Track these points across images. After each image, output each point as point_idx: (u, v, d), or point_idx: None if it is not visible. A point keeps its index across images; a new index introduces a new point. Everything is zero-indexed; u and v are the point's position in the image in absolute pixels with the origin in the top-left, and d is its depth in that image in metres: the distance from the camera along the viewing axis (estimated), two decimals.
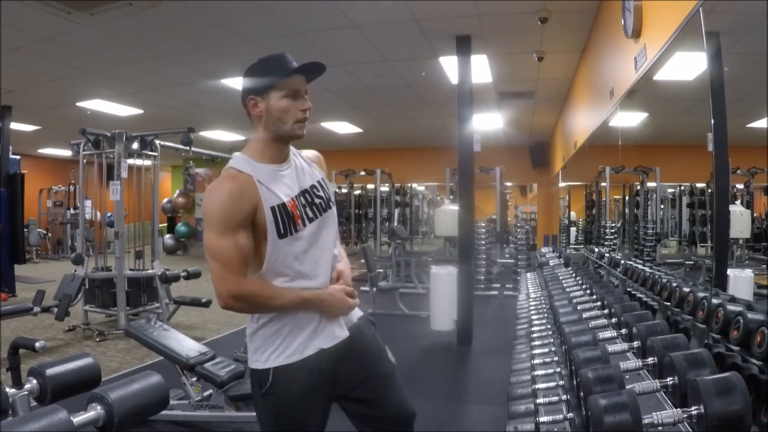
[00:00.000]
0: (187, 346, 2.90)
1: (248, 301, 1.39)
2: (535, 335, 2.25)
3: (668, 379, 1.21)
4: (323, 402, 1.49)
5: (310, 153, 1.64)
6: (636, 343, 1.58)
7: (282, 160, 1.49)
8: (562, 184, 8.65)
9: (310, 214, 1.47)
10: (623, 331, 1.79)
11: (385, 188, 10.17)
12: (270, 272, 1.42)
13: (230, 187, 1.37)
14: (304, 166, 1.55)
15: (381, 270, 8.01)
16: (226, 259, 1.34)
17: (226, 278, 1.34)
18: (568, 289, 3.01)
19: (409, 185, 11.32)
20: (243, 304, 1.38)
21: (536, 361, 1.84)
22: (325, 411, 1.51)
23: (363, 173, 9.94)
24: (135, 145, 5.61)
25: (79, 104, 7.27)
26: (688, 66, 2.46)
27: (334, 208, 1.56)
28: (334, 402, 1.54)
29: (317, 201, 1.50)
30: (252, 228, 1.38)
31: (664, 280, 2.18)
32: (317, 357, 1.45)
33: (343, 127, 9.16)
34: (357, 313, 1.62)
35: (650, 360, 1.40)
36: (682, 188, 3.59)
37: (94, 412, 1.33)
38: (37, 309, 4.71)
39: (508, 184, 10.69)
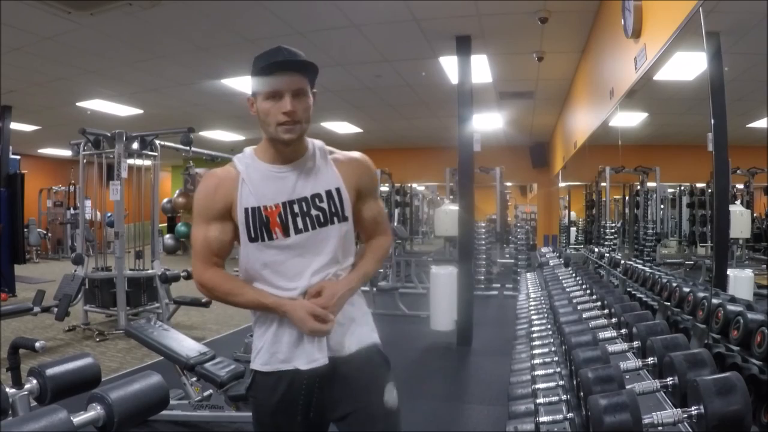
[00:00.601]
0: (187, 346, 2.90)
1: (210, 291, 1.40)
2: (535, 335, 2.25)
3: (668, 379, 1.21)
4: (302, 422, 1.39)
5: (348, 156, 1.46)
6: (636, 343, 1.58)
7: (284, 162, 1.37)
8: (562, 184, 8.65)
9: (300, 225, 1.34)
10: (623, 331, 1.79)
11: (385, 188, 10.17)
12: (243, 272, 1.40)
13: (209, 183, 1.39)
14: (319, 172, 1.39)
15: (381, 270, 8.01)
16: (196, 248, 1.39)
17: (195, 265, 1.40)
18: (568, 289, 3.01)
19: (409, 185, 11.32)
20: (207, 292, 1.41)
21: (536, 361, 1.84)
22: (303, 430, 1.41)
23: None
24: (135, 145, 5.61)
25: (79, 104, 7.27)
26: (688, 66, 2.46)
27: (341, 224, 1.38)
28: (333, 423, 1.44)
29: (314, 213, 1.35)
30: (235, 224, 1.37)
31: (664, 280, 2.18)
32: (294, 375, 1.35)
33: (343, 127, 9.16)
34: (364, 340, 1.42)
35: (650, 360, 1.40)
36: (682, 188, 3.58)
37: (94, 412, 1.33)
38: (37, 309, 4.71)
39: (508, 184, 10.69)
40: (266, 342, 1.38)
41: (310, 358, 1.34)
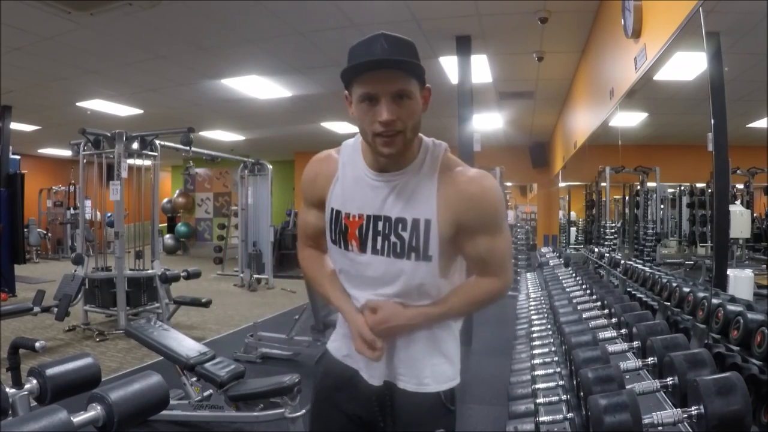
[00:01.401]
0: (187, 346, 2.90)
1: (303, 270, 1.37)
2: (535, 335, 2.26)
3: (668, 379, 1.21)
4: (342, 418, 1.28)
5: (462, 178, 1.16)
6: (636, 343, 1.58)
7: (382, 170, 1.16)
8: (562, 184, 8.65)
9: (378, 246, 1.16)
10: (623, 331, 1.80)
11: None
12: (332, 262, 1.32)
13: (311, 169, 1.28)
14: (416, 192, 1.15)
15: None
16: (299, 226, 1.37)
17: (299, 241, 1.38)
18: (568, 289, 3.01)
19: None
20: (301, 270, 1.39)
21: (536, 361, 1.84)
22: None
23: None
24: (135, 145, 5.61)
25: (79, 104, 7.27)
26: (688, 66, 2.46)
27: (419, 263, 1.15)
28: None
29: (393, 239, 1.15)
30: None
31: (664, 280, 2.18)
32: (353, 374, 1.26)
33: (343, 127, 9.16)
34: (426, 385, 1.21)
35: (650, 360, 1.40)
36: (682, 188, 3.59)
37: (94, 412, 1.33)
38: (37, 309, 4.70)
39: (508, 184, 10.69)
40: (345, 330, 1.29)
41: (369, 372, 1.23)
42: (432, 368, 1.21)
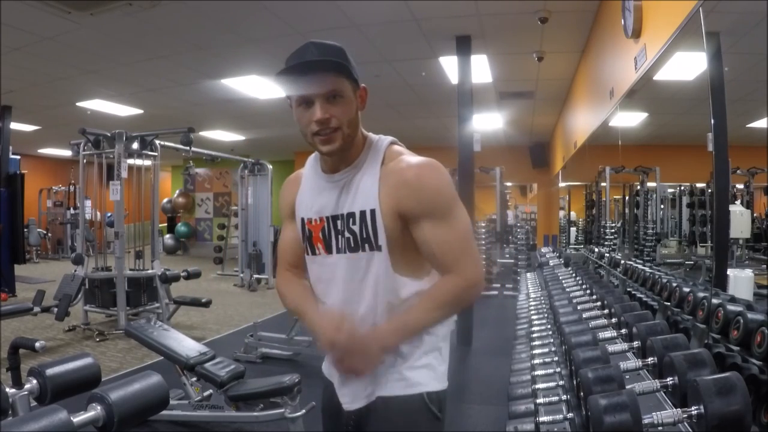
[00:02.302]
0: (187, 346, 2.90)
1: (280, 296, 1.36)
2: (535, 335, 2.26)
3: (668, 379, 1.21)
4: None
5: (400, 164, 1.16)
6: (636, 343, 1.58)
7: (332, 170, 1.20)
8: (562, 184, 8.65)
9: (340, 245, 1.19)
10: (623, 331, 1.80)
11: None
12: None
13: (284, 186, 1.35)
14: (360, 185, 1.17)
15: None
16: (279, 250, 1.38)
17: (278, 266, 1.39)
18: (568, 289, 3.01)
19: None
20: (280, 297, 1.37)
21: (536, 361, 1.84)
22: None
23: None
24: (135, 145, 5.61)
25: (79, 104, 7.27)
26: (688, 66, 2.46)
27: (373, 253, 1.14)
28: None
29: (347, 235, 1.17)
30: None
31: (664, 280, 2.18)
32: (333, 390, 1.25)
33: None
34: (408, 386, 1.16)
35: (650, 360, 1.40)
36: (682, 188, 3.58)
37: (94, 412, 1.33)
38: (37, 309, 4.70)
39: (508, 184, 10.69)
40: None
41: (342, 392, 1.21)
42: (414, 370, 1.16)
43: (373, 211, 1.13)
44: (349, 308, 1.16)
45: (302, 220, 1.25)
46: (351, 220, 1.16)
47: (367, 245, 1.15)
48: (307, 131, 1.13)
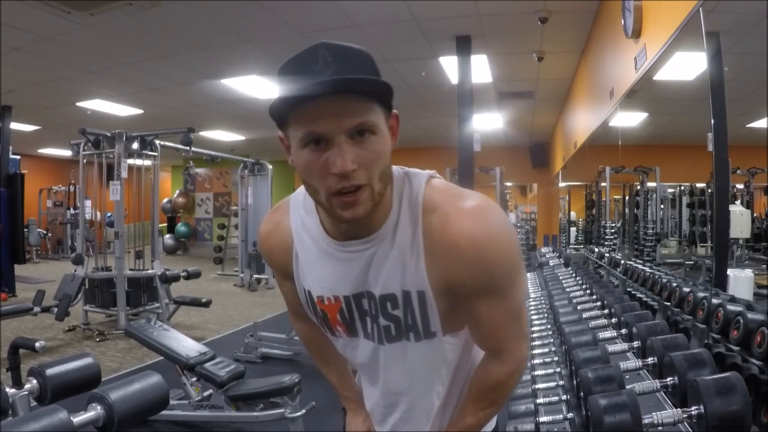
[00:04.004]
0: (187, 346, 2.90)
1: (302, 342, 1.16)
2: (535, 335, 2.25)
3: (668, 379, 1.21)
4: None
5: (451, 223, 0.81)
6: (636, 343, 1.58)
7: (344, 237, 0.85)
8: (562, 184, 8.65)
9: (369, 329, 0.91)
10: (623, 331, 1.80)
11: None
12: None
13: (263, 246, 1.00)
14: (399, 258, 0.84)
15: None
16: (283, 295, 1.09)
17: (289, 311, 1.13)
18: (568, 289, 3.01)
19: None
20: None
21: (536, 361, 1.84)
22: None
23: None
24: (135, 145, 5.61)
25: (79, 104, 7.27)
26: (688, 66, 2.46)
27: (423, 342, 0.89)
28: None
29: (383, 322, 0.88)
30: None
31: (664, 280, 2.18)
32: None
33: None
34: None
35: (650, 360, 1.40)
36: (682, 188, 3.58)
37: (94, 412, 1.33)
38: (37, 309, 4.70)
39: (508, 184, 10.69)
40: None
41: None
42: None
43: (422, 294, 0.84)
44: (387, 401, 0.99)
45: (308, 293, 0.94)
46: (390, 303, 0.86)
47: (412, 334, 0.88)
48: (319, 186, 0.76)
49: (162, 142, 5.92)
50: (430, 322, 0.87)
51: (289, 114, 0.74)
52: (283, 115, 0.75)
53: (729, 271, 2.04)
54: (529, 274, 5.02)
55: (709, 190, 2.97)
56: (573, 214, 8.44)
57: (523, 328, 0.95)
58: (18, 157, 8.04)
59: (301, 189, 0.90)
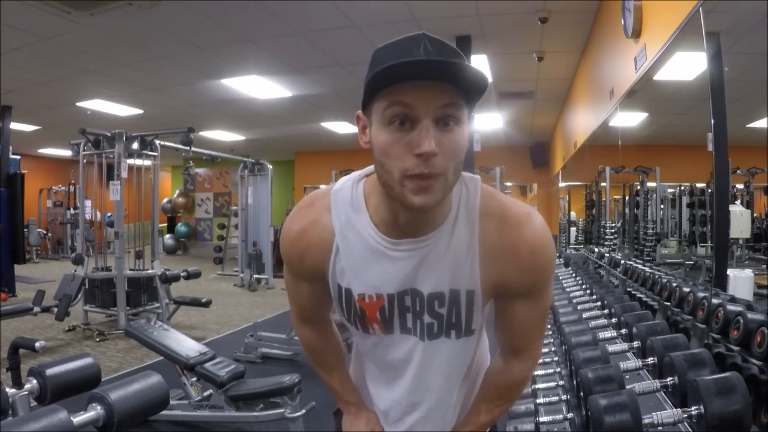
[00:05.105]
0: (187, 346, 2.90)
1: (303, 349, 1.15)
2: None
3: (668, 379, 1.21)
4: None
5: (508, 229, 0.86)
6: (636, 343, 1.58)
7: (404, 234, 0.85)
8: (562, 184, 8.65)
9: (409, 324, 0.92)
10: (623, 331, 1.80)
11: None
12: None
13: (294, 240, 0.94)
14: (455, 258, 0.86)
15: None
16: (289, 298, 1.08)
17: (293, 316, 1.11)
18: (568, 289, 3.01)
19: None
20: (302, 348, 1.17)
21: None
22: None
23: None
24: (135, 145, 5.62)
25: (79, 104, 7.27)
26: (688, 66, 2.46)
27: (460, 340, 0.92)
28: None
29: (428, 320, 0.90)
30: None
31: (664, 280, 2.18)
32: None
33: (343, 127, 9.16)
34: None
35: (650, 360, 1.40)
36: (682, 188, 3.58)
37: (94, 412, 1.33)
38: (37, 309, 4.70)
39: (508, 184, 10.69)
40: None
41: None
42: None
43: (471, 293, 0.88)
44: (412, 398, 0.98)
45: (346, 290, 0.92)
46: (437, 302, 0.88)
47: (453, 331, 0.90)
48: (394, 167, 0.75)
49: (162, 142, 5.93)
50: (473, 320, 0.90)
51: (383, 89, 0.75)
52: (381, 83, 0.74)
53: (729, 271, 2.04)
54: None
55: (709, 190, 2.97)
56: (573, 214, 8.43)
57: (545, 331, 1.05)
58: (18, 157, 8.04)
59: (344, 185, 0.91)
